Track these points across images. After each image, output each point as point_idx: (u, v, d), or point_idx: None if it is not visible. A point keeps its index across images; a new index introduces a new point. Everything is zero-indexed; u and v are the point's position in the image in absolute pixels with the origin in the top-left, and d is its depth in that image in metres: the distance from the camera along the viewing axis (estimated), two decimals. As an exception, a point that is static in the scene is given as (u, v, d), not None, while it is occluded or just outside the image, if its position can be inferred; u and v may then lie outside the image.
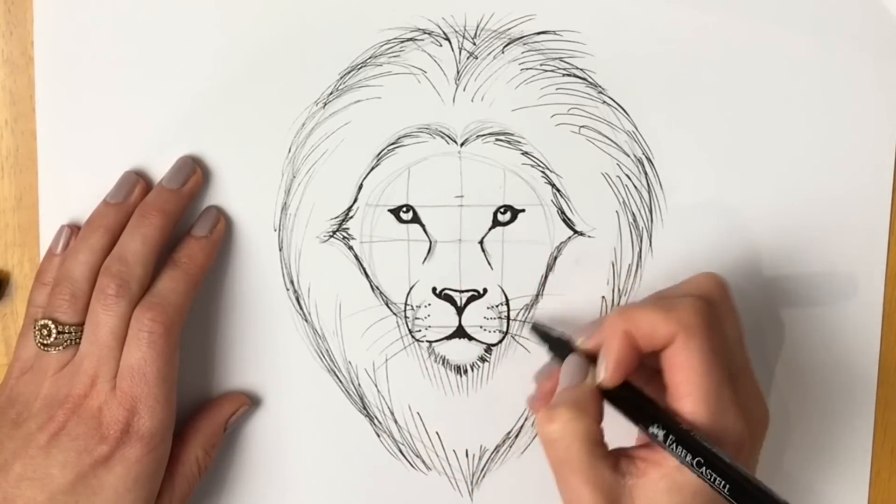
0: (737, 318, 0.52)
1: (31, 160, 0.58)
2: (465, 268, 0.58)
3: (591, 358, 0.52)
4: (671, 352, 0.49)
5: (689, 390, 0.48)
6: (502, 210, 0.58)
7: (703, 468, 0.46)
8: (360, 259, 0.58)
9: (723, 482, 0.46)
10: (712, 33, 0.57)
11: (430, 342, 0.59)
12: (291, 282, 0.58)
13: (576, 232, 0.58)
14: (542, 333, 0.56)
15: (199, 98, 0.57)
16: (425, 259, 0.58)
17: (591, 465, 0.48)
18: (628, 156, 0.58)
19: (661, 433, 0.48)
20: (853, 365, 0.59)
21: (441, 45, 0.57)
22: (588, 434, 0.49)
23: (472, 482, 0.60)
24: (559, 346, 0.54)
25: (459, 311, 0.58)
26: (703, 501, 0.48)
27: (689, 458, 0.47)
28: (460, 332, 0.58)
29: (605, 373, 0.50)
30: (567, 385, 0.51)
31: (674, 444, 0.47)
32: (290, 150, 0.57)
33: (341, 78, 0.57)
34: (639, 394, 0.50)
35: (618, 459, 0.49)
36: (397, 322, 0.59)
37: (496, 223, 0.58)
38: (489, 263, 0.58)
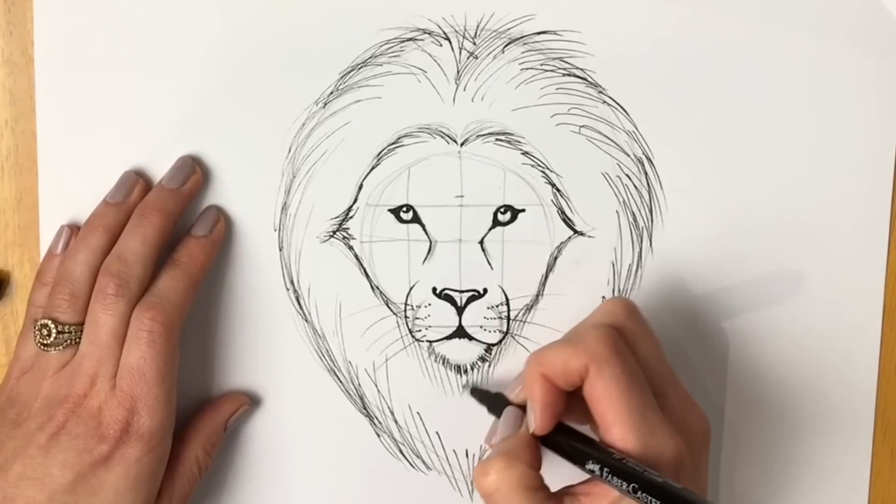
0: (651, 336, 0.52)
1: (31, 160, 0.58)
2: (465, 268, 0.58)
3: (525, 408, 0.52)
4: (588, 384, 0.49)
5: (613, 418, 0.48)
6: (502, 210, 0.58)
7: (640, 492, 0.46)
8: (360, 259, 0.58)
9: (658, 502, 0.46)
10: (712, 33, 0.57)
11: (430, 342, 0.59)
12: (291, 282, 0.58)
13: (576, 232, 0.58)
14: (479, 394, 0.56)
15: (198, 98, 0.57)
16: (425, 259, 0.58)
17: None
18: (628, 156, 0.58)
19: (596, 467, 0.48)
20: (853, 365, 0.59)
21: (441, 45, 0.57)
22: (522, 481, 0.49)
23: (472, 482, 0.60)
24: (497, 404, 0.54)
25: (459, 311, 0.58)
26: None
27: (624, 486, 0.47)
28: (460, 332, 0.58)
29: (533, 421, 0.50)
30: (503, 435, 0.51)
31: (609, 476, 0.48)
32: (290, 150, 0.57)
33: (341, 78, 0.57)
34: (573, 434, 0.51)
35: (561, 499, 0.49)
36: (397, 322, 0.59)
37: (496, 223, 0.58)
38: (489, 263, 0.58)
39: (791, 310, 0.59)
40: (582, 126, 0.58)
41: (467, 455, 0.59)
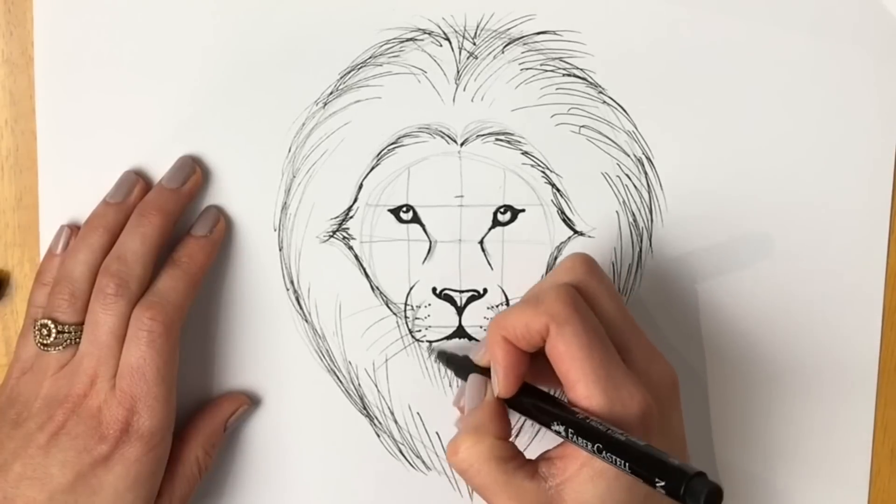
0: (611, 290, 0.52)
1: (31, 160, 0.58)
2: (465, 268, 0.58)
3: (490, 372, 0.52)
4: (549, 344, 0.49)
5: (576, 376, 0.48)
6: (502, 210, 0.58)
7: (604, 452, 0.46)
8: (360, 259, 0.58)
9: (622, 461, 0.45)
10: (712, 33, 0.57)
11: (430, 342, 0.59)
12: (291, 282, 0.58)
13: (576, 232, 0.58)
14: (445, 358, 0.56)
15: (198, 98, 0.57)
16: (425, 259, 0.58)
17: (507, 483, 0.48)
18: (628, 156, 0.58)
19: (562, 428, 0.48)
20: (853, 365, 0.59)
21: (441, 45, 0.57)
22: (493, 452, 0.49)
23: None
24: (463, 367, 0.54)
25: (459, 311, 0.58)
26: (627, 480, 0.47)
27: (589, 445, 0.46)
28: (460, 332, 0.58)
29: (497, 385, 0.50)
30: (471, 405, 0.51)
31: (574, 436, 0.47)
32: (290, 150, 0.57)
33: (341, 78, 0.57)
34: (539, 395, 0.50)
35: (536, 466, 0.49)
36: (397, 322, 0.59)
37: (496, 223, 0.58)
38: (489, 263, 0.58)
39: (791, 309, 0.59)
40: (582, 126, 0.58)
41: (467, 455, 0.59)
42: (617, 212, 0.58)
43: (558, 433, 0.48)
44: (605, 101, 0.58)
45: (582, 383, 0.48)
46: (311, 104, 0.57)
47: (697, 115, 0.58)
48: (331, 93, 0.57)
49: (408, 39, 0.57)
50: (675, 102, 0.57)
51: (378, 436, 0.59)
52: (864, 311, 0.59)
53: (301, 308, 0.58)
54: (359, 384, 0.59)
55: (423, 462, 0.60)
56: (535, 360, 0.51)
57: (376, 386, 0.59)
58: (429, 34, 0.57)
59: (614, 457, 0.45)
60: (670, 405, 0.52)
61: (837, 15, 0.57)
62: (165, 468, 0.54)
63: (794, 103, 0.58)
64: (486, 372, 0.52)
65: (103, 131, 0.57)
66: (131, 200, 0.56)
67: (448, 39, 0.57)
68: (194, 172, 0.57)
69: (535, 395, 0.51)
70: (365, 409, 0.59)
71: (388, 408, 0.59)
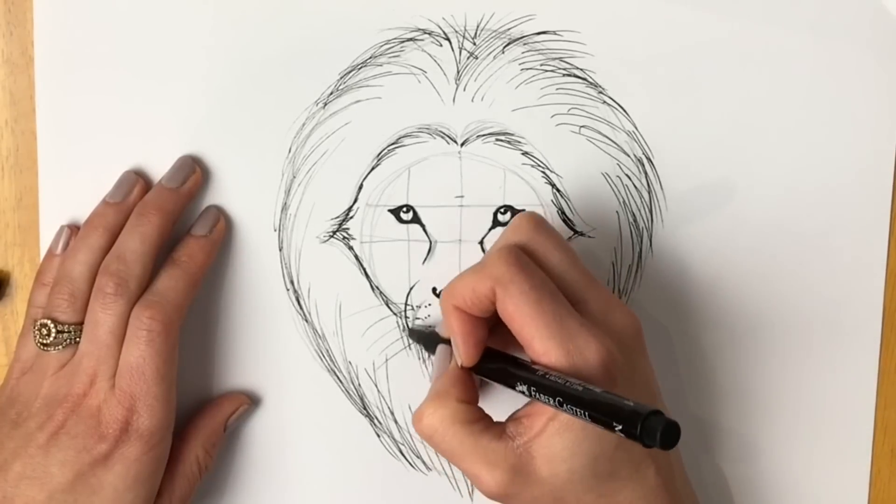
0: (561, 244, 0.52)
1: (31, 160, 0.58)
2: (465, 268, 0.58)
3: None
4: (500, 306, 0.49)
5: (531, 333, 0.48)
6: (502, 210, 0.58)
7: (565, 405, 0.45)
8: (360, 259, 0.58)
9: (582, 411, 0.45)
10: (712, 33, 0.57)
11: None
12: (291, 282, 0.58)
13: (576, 232, 0.58)
14: (416, 335, 0.56)
15: (199, 98, 0.57)
16: (425, 259, 0.58)
17: (474, 445, 0.49)
18: (628, 156, 0.58)
19: (524, 388, 0.48)
20: (853, 365, 0.59)
21: (441, 45, 0.57)
22: (457, 416, 0.49)
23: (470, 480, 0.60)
24: (432, 342, 0.54)
25: (459, 311, 0.58)
26: (595, 429, 0.47)
27: (551, 401, 0.46)
28: (460, 332, 0.58)
29: (458, 354, 0.51)
30: (436, 376, 0.52)
31: (537, 393, 0.47)
32: (290, 151, 0.57)
33: (341, 78, 0.57)
34: (503, 358, 0.50)
35: (504, 427, 0.49)
36: (397, 322, 0.59)
37: (496, 223, 0.58)
38: (489, 263, 0.58)
39: (791, 310, 0.59)
40: (582, 126, 0.58)
41: (467, 455, 0.59)
42: (617, 212, 0.58)
43: (523, 393, 0.48)
44: (605, 101, 0.58)
45: (537, 339, 0.48)
46: (312, 104, 0.57)
47: (697, 115, 0.58)
48: (331, 93, 0.57)
49: (408, 39, 0.57)
50: (675, 102, 0.57)
51: (378, 436, 0.59)
52: (864, 311, 0.59)
53: (301, 308, 0.58)
54: (359, 384, 0.59)
55: (423, 462, 0.60)
56: (502, 327, 0.51)
57: (376, 386, 0.59)
58: (429, 34, 0.57)
59: (574, 408, 0.45)
60: (635, 352, 0.52)
61: (837, 14, 0.57)
62: (165, 467, 0.54)
63: (794, 103, 0.58)
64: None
65: (103, 131, 0.57)
66: (131, 200, 0.56)
67: (448, 39, 0.57)
68: (194, 172, 0.57)
69: (498, 359, 0.50)
70: (365, 409, 0.59)
71: (388, 408, 0.59)
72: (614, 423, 0.43)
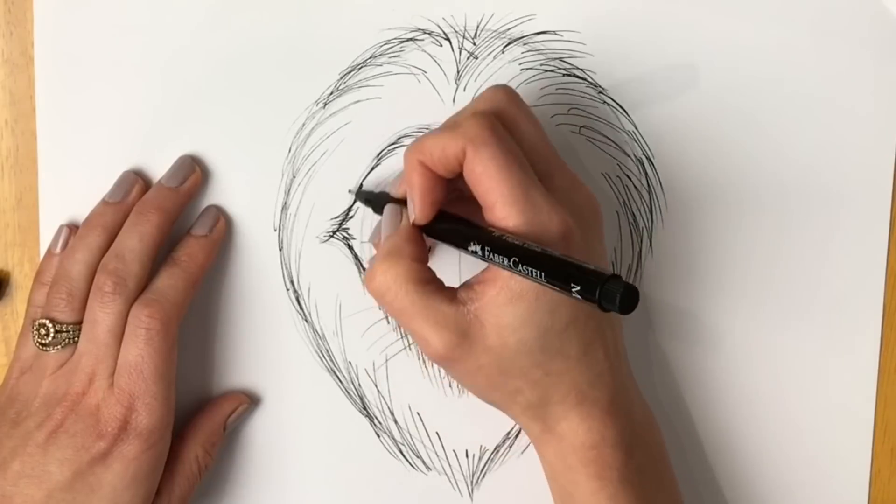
0: (533, 118, 0.52)
1: (31, 160, 0.58)
2: (465, 268, 0.58)
3: (406, 203, 0.52)
4: (467, 167, 0.49)
5: (495, 197, 0.48)
6: (502, 210, 0.58)
7: (520, 265, 0.45)
8: (360, 259, 0.58)
9: (538, 272, 0.44)
10: (712, 33, 0.57)
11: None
12: (291, 282, 0.58)
13: (576, 232, 0.58)
14: (363, 196, 0.55)
15: (198, 98, 0.57)
16: (425, 259, 0.58)
17: (424, 306, 0.48)
18: (628, 156, 0.58)
19: (478, 248, 0.47)
20: (853, 365, 0.59)
21: (441, 45, 0.57)
22: (410, 274, 0.49)
23: (472, 482, 0.60)
24: (380, 203, 0.54)
25: (459, 311, 0.58)
26: (548, 302, 0.47)
27: (506, 261, 0.46)
28: (460, 332, 0.58)
29: (414, 211, 0.50)
30: (386, 234, 0.51)
31: (491, 254, 0.47)
32: (290, 150, 0.57)
33: (341, 78, 0.57)
34: (455, 220, 0.50)
35: (456, 292, 0.49)
36: (397, 322, 0.59)
37: (496, 223, 0.58)
38: (489, 263, 0.58)
39: (791, 310, 0.59)
40: (582, 126, 0.58)
41: (467, 455, 0.59)
42: (617, 212, 0.58)
43: (475, 253, 0.48)
44: (605, 102, 0.58)
45: (500, 204, 0.48)
46: (312, 104, 0.57)
47: (697, 115, 0.58)
48: (331, 93, 0.57)
49: (408, 39, 0.57)
50: (675, 102, 0.57)
51: (378, 436, 0.59)
52: (864, 311, 0.59)
53: (301, 308, 0.58)
54: (359, 384, 0.59)
55: (423, 462, 0.60)
56: (456, 205, 0.51)
57: (376, 386, 0.59)
58: (429, 34, 0.57)
59: (530, 269, 0.44)
60: (592, 232, 0.52)
61: (837, 15, 0.57)
62: (165, 467, 0.54)
63: (793, 103, 0.58)
64: (403, 203, 0.52)
65: (103, 131, 0.57)
66: (130, 200, 0.56)
67: (448, 39, 0.57)
68: (193, 172, 0.57)
69: (451, 220, 0.50)
70: (365, 409, 0.59)
71: (388, 408, 0.59)
72: (572, 285, 0.42)
